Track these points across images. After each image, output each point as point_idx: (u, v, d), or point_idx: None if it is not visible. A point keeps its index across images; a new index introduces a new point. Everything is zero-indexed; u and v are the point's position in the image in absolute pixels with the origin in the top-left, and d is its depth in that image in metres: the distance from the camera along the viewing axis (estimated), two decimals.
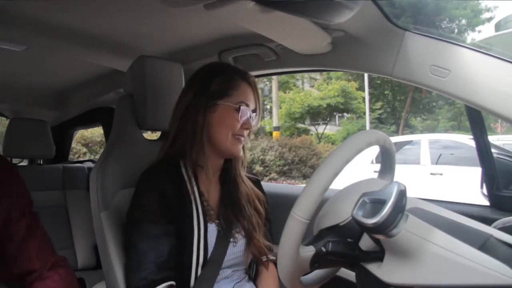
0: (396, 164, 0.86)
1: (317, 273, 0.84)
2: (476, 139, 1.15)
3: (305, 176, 10.55)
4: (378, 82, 16.84)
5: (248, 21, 0.93)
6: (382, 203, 0.58)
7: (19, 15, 1.11)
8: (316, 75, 18.71)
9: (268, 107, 19.05)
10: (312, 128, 17.23)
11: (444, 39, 0.95)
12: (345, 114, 18.36)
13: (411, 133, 14.83)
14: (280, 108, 15.99)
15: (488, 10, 15.96)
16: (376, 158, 5.78)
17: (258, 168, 10.02)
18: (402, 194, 0.59)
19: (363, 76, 15.08)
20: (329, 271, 0.85)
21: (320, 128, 16.98)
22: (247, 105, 1.02)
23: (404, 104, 17.05)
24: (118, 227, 1.03)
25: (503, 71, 0.88)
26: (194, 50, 1.36)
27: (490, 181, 1.14)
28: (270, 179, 10.03)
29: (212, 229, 1.00)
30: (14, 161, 2.12)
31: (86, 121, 2.47)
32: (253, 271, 1.13)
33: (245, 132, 1.03)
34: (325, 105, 15.56)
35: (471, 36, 16.29)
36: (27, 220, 0.82)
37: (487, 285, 0.55)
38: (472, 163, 4.27)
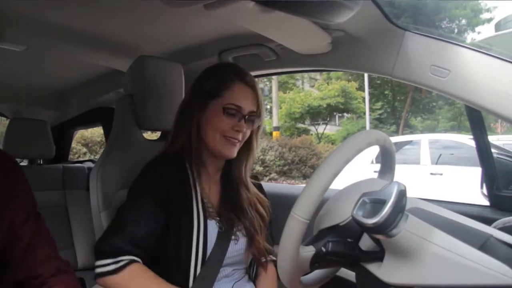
0: (396, 164, 0.86)
1: (317, 273, 0.84)
2: (476, 139, 1.15)
3: (305, 176, 10.55)
4: (378, 82, 16.84)
5: (248, 21, 0.93)
6: (382, 203, 0.58)
7: (19, 15, 1.11)
8: (316, 75, 18.72)
9: (268, 107, 19.04)
10: (312, 128, 17.23)
11: (444, 39, 0.95)
12: (345, 114, 18.37)
13: (411, 133, 14.83)
14: (280, 108, 15.99)
15: (487, 10, 15.98)
16: (376, 158, 5.78)
17: (258, 168, 10.02)
18: (402, 194, 0.59)
19: (363, 76, 15.08)
20: (329, 271, 0.85)
21: (320, 128, 16.98)
22: (237, 107, 0.99)
23: (404, 104, 17.05)
24: None
25: (503, 71, 0.88)
26: (194, 50, 1.36)
27: (490, 181, 1.14)
28: (270, 179, 10.03)
29: (213, 226, 1.00)
30: None
31: (86, 121, 2.47)
32: (253, 271, 1.13)
33: (238, 135, 1.00)
34: (325, 105, 15.57)
35: (471, 36, 16.31)
36: (32, 223, 0.80)
37: (487, 285, 0.55)
38: (472, 163, 4.27)
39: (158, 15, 1.13)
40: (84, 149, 8.47)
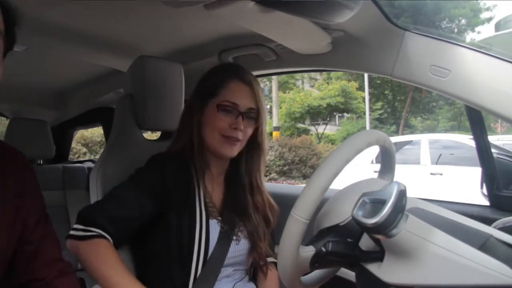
0: (396, 164, 0.86)
1: (317, 273, 0.84)
2: (476, 139, 1.15)
3: (305, 176, 10.55)
4: (378, 82, 16.84)
5: (248, 21, 0.93)
6: (382, 203, 0.58)
7: (19, 15, 1.11)
8: (316, 75, 18.72)
9: (268, 107, 19.02)
10: (312, 128, 17.23)
11: (444, 39, 0.95)
12: (345, 114, 18.37)
13: (411, 133, 14.83)
14: (280, 108, 15.99)
15: (487, 9, 15.97)
16: (376, 158, 5.78)
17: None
18: (402, 194, 0.59)
19: (363, 76, 15.08)
20: (329, 271, 0.85)
21: (320, 128, 16.98)
22: (233, 104, 0.99)
23: (404, 104, 17.05)
24: None
25: (503, 71, 0.88)
26: (194, 50, 1.36)
27: (490, 181, 1.14)
28: (270, 179, 10.02)
29: (214, 225, 1.00)
30: None
31: (86, 121, 2.47)
32: (251, 272, 1.13)
33: (237, 133, 0.99)
34: (325, 105, 15.57)
35: (471, 36, 16.31)
36: (42, 227, 0.78)
37: (487, 285, 0.55)
38: (472, 163, 4.27)
39: (158, 15, 1.13)
40: (84, 149, 8.47)
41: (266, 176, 10.12)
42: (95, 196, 1.07)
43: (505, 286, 0.54)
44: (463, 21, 16.46)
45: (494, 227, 0.74)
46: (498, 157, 1.17)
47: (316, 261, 0.69)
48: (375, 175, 0.91)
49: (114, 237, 0.91)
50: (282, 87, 17.83)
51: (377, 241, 0.64)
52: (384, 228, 0.58)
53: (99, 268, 0.87)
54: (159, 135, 1.51)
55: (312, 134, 16.46)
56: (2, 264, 0.69)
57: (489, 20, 15.81)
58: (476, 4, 16.18)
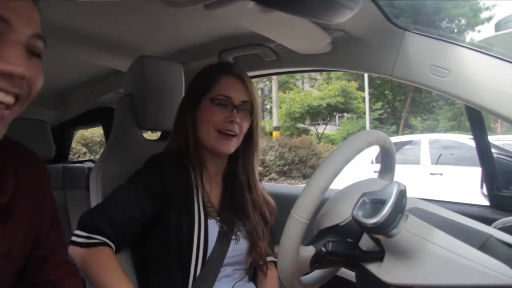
0: (396, 164, 0.86)
1: (317, 273, 0.84)
2: (476, 139, 1.15)
3: (305, 176, 10.54)
4: (378, 82, 16.84)
5: (248, 21, 0.93)
6: (382, 203, 0.58)
7: None
8: (316, 75, 18.72)
9: (268, 107, 19.04)
10: (312, 128, 17.23)
11: (444, 39, 0.95)
12: (345, 114, 18.37)
13: (411, 133, 14.82)
14: (280, 108, 15.99)
15: (487, 9, 15.97)
16: (376, 158, 5.78)
17: (258, 168, 10.00)
18: (402, 194, 0.59)
19: (363, 76, 15.08)
20: (329, 271, 0.85)
21: (320, 128, 16.98)
22: (226, 97, 1.00)
23: (404, 104, 17.05)
24: None
25: (503, 71, 0.88)
26: (194, 50, 1.36)
27: (490, 181, 1.14)
28: (270, 179, 10.02)
29: (213, 225, 1.00)
30: None
31: (86, 121, 2.47)
32: (251, 272, 1.13)
33: (233, 126, 1.00)
34: (325, 105, 15.57)
35: (471, 36, 16.31)
36: (55, 232, 0.76)
37: (487, 285, 0.55)
38: (472, 163, 4.27)
39: (158, 15, 1.13)
40: (84, 149, 8.47)
41: (266, 176, 10.13)
42: (95, 196, 1.07)
43: (505, 286, 0.53)
44: (463, 21, 16.45)
45: (494, 227, 0.74)
46: (498, 157, 1.17)
47: (316, 261, 0.69)
48: (375, 175, 0.91)
49: (116, 243, 0.92)
50: (282, 87, 17.83)
51: (377, 241, 0.64)
52: (384, 228, 0.58)
53: (100, 276, 0.87)
54: (159, 135, 1.51)
55: (312, 134, 16.46)
56: (18, 270, 0.69)
57: (489, 19, 15.81)
58: (476, 3, 16.18)
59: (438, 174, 5.54)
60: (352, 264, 0.70)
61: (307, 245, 0.69)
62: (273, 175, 10.39)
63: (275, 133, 13.44)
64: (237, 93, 1.02)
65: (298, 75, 18.12)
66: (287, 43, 1.10)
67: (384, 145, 0.79)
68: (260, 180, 1.20)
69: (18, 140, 0.72)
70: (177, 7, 0.90)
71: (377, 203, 0.59)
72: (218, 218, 1.02)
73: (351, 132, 14.90)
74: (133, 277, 1.01)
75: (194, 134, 1.03)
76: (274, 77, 12.09)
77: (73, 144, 6.94)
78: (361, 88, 16.04)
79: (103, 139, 3.52)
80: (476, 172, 1.34)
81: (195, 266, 0.96)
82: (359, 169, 3.53)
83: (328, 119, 17.46)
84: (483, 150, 1.14)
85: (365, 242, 0.68)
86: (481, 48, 0.91)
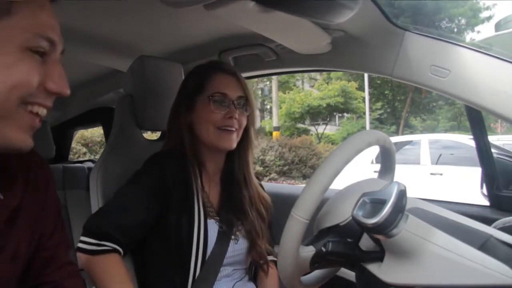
0: (396, 164, 0.86)
1: (317, 273, 0.84)
2: (476, 139, 1.15)
3: (305, 176, 10.54)
4: (378, 82, 16.83)
5: (248, 21, 0.93)
6: (382, 203, 0.58)
7: None
8: (316, 75, 18.71)
9: (268, 107, 19.05)
10: (312, 128, 17.23)
11: (444, 39, 0.95)
12: (345, 114, 18.36)
13: (411, 133, 14.83)
14: (280, 108, 15.99)
15: (487, 8, 15.96)
16: (376, 158, 5.78)
17: (258, 168, 10.01)
18: (402, 194, 0.59)
19: (363, 76, 15.07)
20: (329, 271, 0.85)
21: (320, 128, 16.98)
22: (223, 94, 1.01)
23: (404, 104, 17.05)
24: None
25: (503, 71, 0.88)
26: (194, 50, 1.36)
27: (490, 181, 1.14)
28: (270, 179, 10.02)
29: (212, 225, 1.00)
30: None
31: (86, 121, 2.47)
32: (252, 272, 1.13)
33: (233, 122, 1.01)
34: (325, 105, 15.56)
35: (471, 36, 16.31)
36: (59, 233, 0.76)
37: (487, 285, 0.55)
38: (472, 163, 4.27)
39: (158, 15, 1.13)
40: (84, 149, 8.47)
41: (266, 176, 10.13)
42: (95, 196, 1.07)
43: (505, 286, 0.53)
44: (463, 21, 16.45)
45: (494, 227, 0.74)
46: (498, 157, 1.17)
47: (316, 261, 0.69)
48: (375, 175, 0.91)
49: (125, 248, 0.92)
50: (282, 87, 17.82)
51: (377, 241, 0.63)
52: (384, 228, 0.57)
53: (107, 284, 0.88)
54: (159, 135, 1.51)
55: (312, 134, 16.46)
56: (20, 271, 0.69)
57: (488, 19, 15.80)
58: (476, 3, 16.18)
59: (438, 174, 5.54)
60: (352, 264, 0.70)
61: (307, 245, 0.69)
62: (273, 175, 10.39)
63: (275, 133, 13.45)
64: (232, 89, 1.03)
65: (298, 75, 18.12)
66: (287, 43, 1.10)
67: (384, 145, 0.79)
68: (260, 180, 1.20)
69: None
70: (177, 7, 0.89)
71: (377, 203, 0.59)
72: (218, 218, 1.02)
73: (351, 132, 14.90)
74: (133, 277, 1.01)
75: (192, 134, 1.03)
76: (274, 77, 12.09)
77: (73, 144, 6.93)
78: (361, 88, 16.03)
79: (103, 139, 3.52)
80: (476, 172, 1.34)
81: (195, 266, 0.96)
82: (359, 169, 3.53)
83: (328, 119, 17.45)
84: (483, 150, 1.14)
85: (365, 242, 0.68)
86: (481, 48, 0.91)
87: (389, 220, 0.57)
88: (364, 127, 15.41)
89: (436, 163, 5.78)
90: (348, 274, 1.11)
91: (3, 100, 0.52)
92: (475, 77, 0.90)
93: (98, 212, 0.96)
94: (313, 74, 18.45)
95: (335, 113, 17.68)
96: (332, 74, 16.99)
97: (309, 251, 0.69)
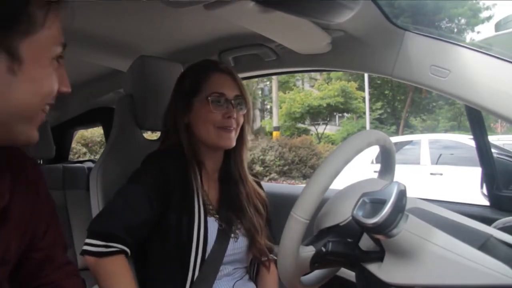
0: (396, 164, 0.86)
1: (317, 273, 0.84)
2: (476, 139, 1.15)
3: (305, 176, 10.54)
4: (378, 82, 16.83)
5: (248, 21, 0.93)
6: (382, 203, 0.58)
7: None
8: (316, 75, 18.71)
9: (268, 107, 19.05)
10: (312, 128, 17.22)
11: (444, 39, 0.95)
12: (345, 114, 18.36)
13: (411, 133, 14.82)
14: (280, 108, 15.99)
15: (487, 8, 15.95)
16: (376, 158, 5.78)
17: (258, 168, 10.01)
18: (402, 194, 0.59)
19: (363, 76, 15.07)
20: (329, 271, 0.85)
21: (320, 128, 16.98)
22: (221, 94, 1.01)
23: (404, 104, 17.04)
24: None
25: (503, 71, 0.88)
26: (194, 50, 1.36)
27: (490, 181, 1.14)
28: (270, 179, 10.02)
29: (212, 223, 1.00)
30: None
31: (86, 121, 2.47)
32: (254, 270, 1.13)
33: (231, 121, 1.01)
34: (325, 105, 15.56)
35: (471, 36, 16.30)
36: (53, 233, 0.75)
37: (487, 285, 0.55)
38: (472, 163, 4.27)
39: (158, 15, 1.13)
40: (84, 149, 8.47)
41: (266, 176, 10.13)
42: (95, 196, 1.07)
43: (505, 286, 0.53)
44: (463, 21, 16.44)
45: (494, 227, 0.74)
46: (498, 157, 1.17)
47: (316, 261, 0.69)
48: (375, 175, 0.91)
49: (132, 248, 0.92)
50: (282, 87, 17.82)
51: (377, 241, 0.63)
52: (384, 228, 0.57)
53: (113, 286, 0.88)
54: (159, 135, 1.51)
55: (312, 134, 16.45)
56: (9, 272, 0.68)
57: (488, 19, 15.79)
58: (476, 3, 16.17)
59: (438, 174, 5.55)
60: (352, 264, 0.70)
61: (307, 245, 0.69)
62: (273, 175, 10.39)
63: (275, 133, 13.45)
64: (229, 88, 1.03)
65: (298, 75, 18.12)
66: (287, 43, 1.10)
67: (384, 145, 0.79)
68: (260, 180, 1.21)
69: None
70: (177, 7, 0.89)
71: (377, 203, 0.59)
72: (217, 216, 1.02)
73: (351, 132, 14.89)
74: (134, 277, 1.01)
75: (190, 134, 1.03)
76: (274, 77, 12.09)
77: (73, 144, 6.93)
78: (361, 88, 16.03)
79: (103, 139, 3.52)
80: (476, 172, 1.34)
81: (194, 265, 0.96)
82: (359, 169, 3.53)
83: (328, 119, 17.45)
84: (483, 150, 1.14)
85: (365, 242, 0.67)
86: (481, 48, 0.91)
87: (389, 220, 0.57)
88: (364, 127, 15.41)
89: (436, 163, 5.78)
90: (348, 274, 1.11)
91: (32, 108, 0.57)
92: (475, 77, 0.90)
93: (101, 213, 0.96)
94: (313, 74, 18.44)
95: (335, 113, 17.67)
96: (332, 74, 16.99)
97: (309, 251, 0.69)
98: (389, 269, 0.62)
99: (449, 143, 6.02)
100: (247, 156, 1.12)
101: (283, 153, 10.80)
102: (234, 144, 1.04)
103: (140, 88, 1.18)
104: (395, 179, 0.83)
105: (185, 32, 1.26)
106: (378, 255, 0.64)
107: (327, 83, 17.19)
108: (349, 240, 0.69)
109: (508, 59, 0.87)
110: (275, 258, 1.12)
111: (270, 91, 15.96)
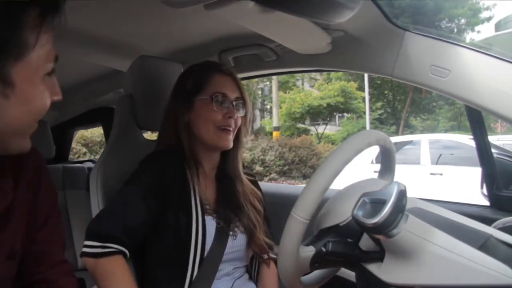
0: (396, 164, 0.86)
1: (317, 273, 0.84)
2: (476, 139, 1.15)
3: (305, 176, 10.54)
4: (378, 82, 16.82)
5: (248, 21, 0.93)
6: (382, 203, 0.58)
7: None
8: (316, 75, 18.70)
9: (268, 107, 19.05)
10: (312, 128, 17.22)
11: (444, 39, 0.95)
12: (345, 114, 18.36)
13: (411, 133, 14.82)
14: (280, 108, 15.99)
15: (487, 8, 15.94)
16: (376, 158, 5.78)
17: (258, 168, 10.02)
18: (402, 194, 0.59)
19: (363, 76, 15.06)
20: (329, 271, 0.85)
21: (320, 128, 16.98)
22: (223, 94, 1.02)
23: (404, 104, 17.04)
24: None
25: (503, 71, 0.88)
26: (194, 50, 1.36)
27: (490, 181, 1.14)
28: (270, 179, 10.02)
29: (210, 221, 1.00)
30: None
31: (86, 121, 2.47)
32: (255, 269, 1.13)
33: (231, 122, 1.02)
34: (325, 105, 15.56)
35: (471, 36, 16.29)
36: (52, 227, 0.75)
37: (487, 285, 0.55)
38: (472, 163, 4.27)
39: (158, 15, 1.13)
40: (84, 149, 8.47)
41: (266, 176, 10.13)
42: (95, 196, 1.07)
43: (505, 286, 0.53)
44: (463, 21, 16.43)
45: (494, 227, 0.74)
46: (498, 157, 1.17)
47: (316, 261, 0.69)
48: (375, 175, 0.91)
49: (131, 249, 0.92)
50: (282, 87, 17.81)
51: (377, 241, 0.64)
52: (384, 228, 0.58)
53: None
54: None
55: (312, 134, 16.45)
56: (16, 266, 0.68)
57: (488, 19, 15.78)
58: (476, 3, 16.17)
59: (438, 174, 5.54)
60: (352, 264, 0.70)
61: (307, 245, 0.69)
62: (273, 175, 10.39)
63: (275, 133, 13.45)
64: (230, 89, 1.04)
65: (298, 75, 18.12)
66: (287, 43, 1.10)
67: (384, 145, 0.79)
68: (260, 180, 1.21)
69: None
70: (177, 7, 0.90)
71: (377, 203, 0.59)
72: (215, 214, 1.03)
73: (351, 132, 14.89)
74: (132, 277, 1.01)
75: (190, 133, 1.04)
76: (274, 77, 12.08)
77: (73, 144, 6.93)
78: (361, 88, 16.03)
79: (103, 139, 3.52)
80: (476, 172, 1.34)
81: (193, 264, 0.96)
82: (359, 169, 3.53)
83: (328, 119, 17.45)
84: (483, 150, 1.15)
85: (365, 242, 0.68)
86: (481, 48, 0.91)
87: (389, 220, 0.57)
88: (364, 127, 15.40)
89: (436, 163, 5.78)
90: (348, 274, 1.11)
91: (26, 124, 0.59)
92: (475, 77, 0.90)
93: (100, 214, 0.96)
94: (313, 74, 18.43)
95: (335, 113, 17.67)
96: (332, 74, 16.99)
97: (309, 251, 0.69)
98: (389, 269, 0.62)
99: (449, 143, 6.02)
100: (242, 156, 1.13)
101: (283, 153, 10.79)
102: (231, 145, 1.05)
103: (140, 88, 1.18)
104: (395, 179, 0.83)
105: (185, 32, 1.26)
106: (378, 255, 0.64)
107: (327, 83, 17.18)
108: (349, 240, 0.69)
109: (508, 59, 0.87)
110: (275, 257, 1.12)
111: (270, 91, 15.96)
